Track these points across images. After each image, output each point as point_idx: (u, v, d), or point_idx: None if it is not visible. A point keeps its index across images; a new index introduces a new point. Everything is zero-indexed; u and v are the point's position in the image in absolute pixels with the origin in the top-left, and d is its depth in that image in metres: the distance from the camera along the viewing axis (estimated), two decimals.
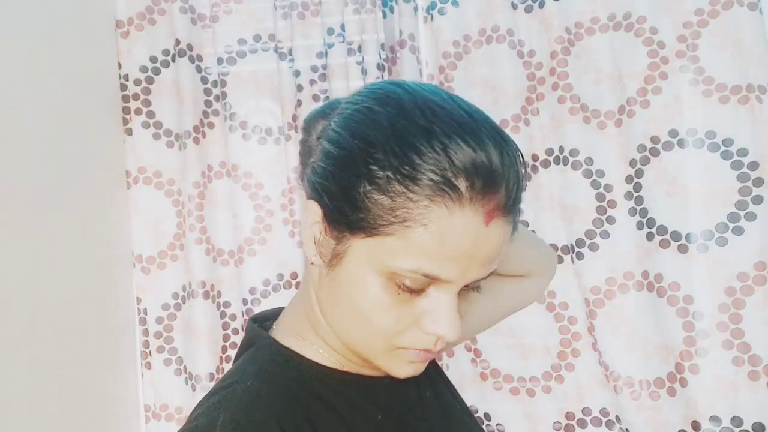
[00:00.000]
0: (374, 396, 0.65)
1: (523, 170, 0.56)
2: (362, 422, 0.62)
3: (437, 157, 0.52)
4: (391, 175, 0.53)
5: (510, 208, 0.55)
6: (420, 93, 0.56)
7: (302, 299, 0.66)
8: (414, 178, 0.53)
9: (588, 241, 1.39)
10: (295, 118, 1.50)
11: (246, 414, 0.57)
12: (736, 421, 1.30)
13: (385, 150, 0.54)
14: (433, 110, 0.54)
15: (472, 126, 0.54)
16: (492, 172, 0.53)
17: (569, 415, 1.44)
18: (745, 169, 1.30)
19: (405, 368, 0.60)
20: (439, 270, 0.54)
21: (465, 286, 0.57)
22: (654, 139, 1.35)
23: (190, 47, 1.51)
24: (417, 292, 0.56)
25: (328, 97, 1.50)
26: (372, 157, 0.54)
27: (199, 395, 1.49)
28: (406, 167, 0.53)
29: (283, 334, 0.66)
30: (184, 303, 1.51)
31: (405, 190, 0.53)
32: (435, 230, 0.53)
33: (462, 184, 0.53)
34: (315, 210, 0.59)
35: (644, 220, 1.36)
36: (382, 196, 0.54)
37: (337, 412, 0.61)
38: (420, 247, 0.53)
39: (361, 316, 0.57)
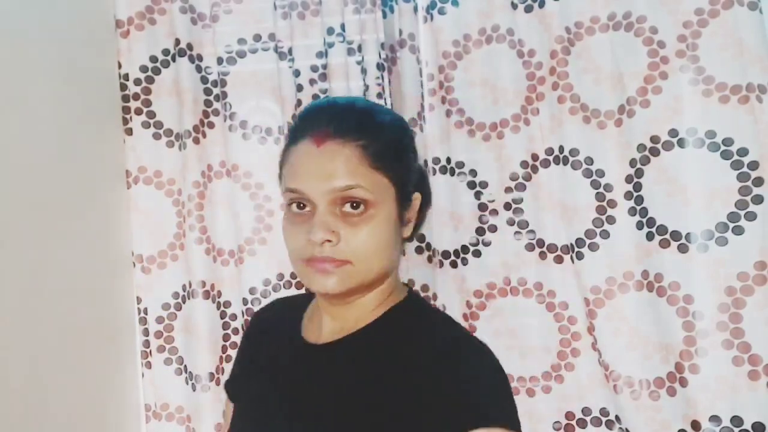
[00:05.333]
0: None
1: (348, 121, 0.83)
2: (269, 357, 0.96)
3: (294, 125, 0.90)
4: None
5: (340, 134, 0.81)
6: (317, 101, 0.98)
7: None
8: (285, 142, 0.90)
9: (588, 241, 1.39)
10: (294, 117, 1.49)
11: None
12: (736, 421, 1.30)
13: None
14: (309, 107, 0.92)
15: (320, 108, 0.89)
16: (313, 116, 0.86)
17: (569, 415, 1.44)
18: (745, 169, 1.30)
19: (316, 281, 0.82)
20: (295, 183, 0.82)
21: (341, 209, 0.81)
22: (654, 139, 1.35)
23: (190, 47, 1.51)
24: (303, 215, 0.82)
25: (328, 97, 1.50)
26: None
27: (200, 395, 1.49)
28: (286, 138, 0.91)
29: None
30: (184, 303, 1.51)
31: (283, 151, 0.90)
32: (291, 161, 0.85)
33: (299, 130, 0.86)
34: None
35: (644, 220, 1.36)
36: (281, 161, 0.91)
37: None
38: (285, 175, 0.86)
39: (285, 243, 0.85)
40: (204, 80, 1.54)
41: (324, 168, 0.80)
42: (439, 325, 0.87)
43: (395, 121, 0.90)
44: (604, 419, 1.42)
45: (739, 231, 1.30)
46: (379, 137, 0.83)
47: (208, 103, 1.53)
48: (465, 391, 0.74)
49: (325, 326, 0.89)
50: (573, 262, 1.41)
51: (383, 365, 0.80)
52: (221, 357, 1.51)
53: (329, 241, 0.79)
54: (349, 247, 0.80)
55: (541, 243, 1.44)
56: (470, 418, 0.71)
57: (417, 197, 0.89)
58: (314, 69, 1.51)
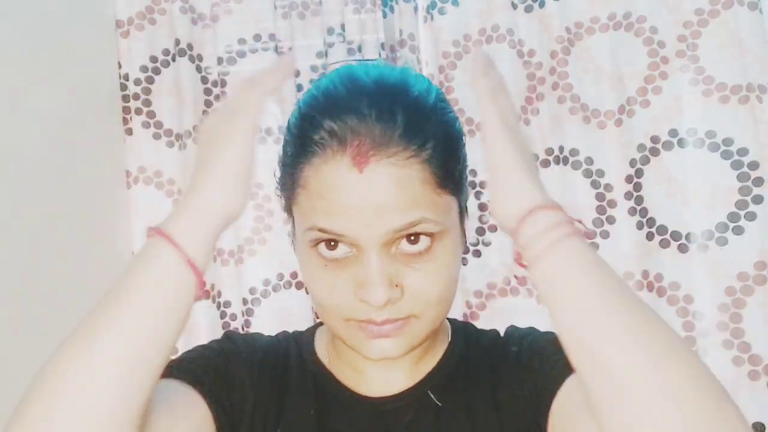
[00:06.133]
0: (336, 402, 0.65)
1: (401, 117, 0.55)
2: (297, 407, 0.65)
3: (302, 125, 0.58)
4: (282, 152, 0.61)
5: (388, 145, 0.55)
6: (325, 81, 0.61)
7: None
8: (288, 148, 0.59)
9: (588, 241, 1.39)
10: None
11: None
12: None
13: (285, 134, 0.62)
14: (319, 93, 0.60)
15: (342, 97, 0.57)
16: (347, 121, 0.55)
17: None
18: (745, 169, 1.30)
19: (370, 347, 0.59)
20: (330, 224, 0.56)
21: (397, 247, 0.57)
22: (654, 139, 1.35)
23: (190, 47, 1.51)
24: (340, 260, 0.57)
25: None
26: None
27: None
28: (287, 141, 0.61)
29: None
30: None
31: (287, 162, 0.60)
32: (312, 188, 0.56)
33: (319, 138, 0.56)
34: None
35: (644, 220, 1.36)
36: (282, 173, 0.61)
37: (289, 385, 0.66)
38: (308, 207, 0.57)
39: (312, 295, 0.60)
40: (204, 80, 1.53)
41: (374, 203, 0.54)
42: (485, 330, 0.73)
43: (439, 97, 0.61)
44: None
45: (739, 231, 1.30)
46: (438, 135, 0.57)
47: (208, 103, 1.53)
48: (542, 351, 0.63)
49: (376, 377, 0.66)
50: None
51: (479, 385, 0.65)
52: None
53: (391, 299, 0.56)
54: (414, 300, 0.57)
55: None
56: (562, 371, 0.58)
57: (468, 194, 0.65)
58: (314, 69, 1.51)
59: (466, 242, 0.65)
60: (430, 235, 0.57)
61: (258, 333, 0.73)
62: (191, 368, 0.62)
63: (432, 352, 0.67)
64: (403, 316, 0.58)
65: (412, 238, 0.56)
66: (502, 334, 0.70)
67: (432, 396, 0.64)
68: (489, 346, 0.68)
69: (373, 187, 0.54)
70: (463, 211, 0.62)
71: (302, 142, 0.57)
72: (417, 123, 0.55)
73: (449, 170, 0.57)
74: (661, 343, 0.44)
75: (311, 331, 0.72)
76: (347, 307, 0.58)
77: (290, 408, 0.65)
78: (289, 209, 0.62)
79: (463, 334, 0.69)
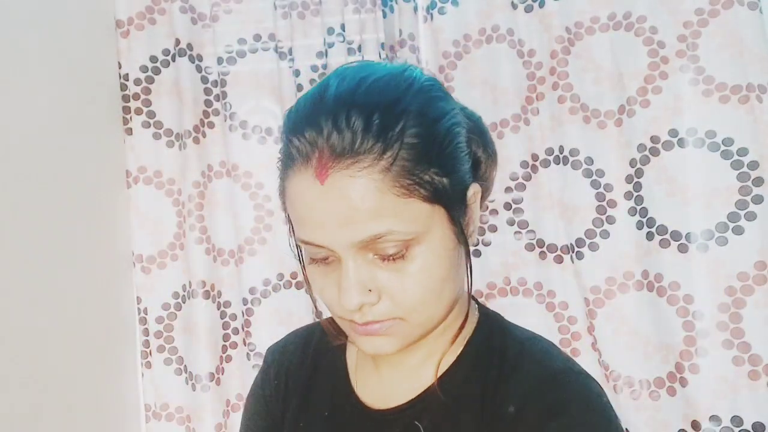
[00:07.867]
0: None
1: (358, 125, 0.54)
2: (317, 405, 0.71)
3: (282, 139, 0.60)
4: None
5: (344, 155, 0.54)
6: (306, 95, 0.61)
7: None
8: (281, 158, 0.60)
9: (588, 241, 1.39)
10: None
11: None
12: (736, 420, 1.30)
13: None
14: (293, 109, 0.61)
15: (307, 111, 0.58)
16: (307, 136, 0.55)
17: None
18: (745, 169, 1.30)
19: (363, 343, 0.61)
20: (305, 234, 0.58)
21: (374, 254, 0.57)
22: (654, 139, 1.35)
23: (190, 47, 1.51)
24: (330, 263, 0.59)
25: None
26: None
27: (200, 395, 1.49)
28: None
29: None
30: (184, 303, 1.51)
31: (281, 168, 0.61)
32: (289, 200, 0.59)
33: (289, 154, 0.58)
34: None
35: (644, 220, 1.36)
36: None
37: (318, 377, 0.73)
38: (292, 218, 0.59)
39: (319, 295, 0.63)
40: (204, 80, 1.54)
41: (336, 214, 0.54)
42: (527, 356, 0.65)
43: (424, 94, 0.58)
44: None
45: (739, 231, 1.30)
46: (406, 138, 0.55)
47: (208, 103, 1.53)
48: None
49: (388, 381, 0.68)
50: (573, 262, 1.40)
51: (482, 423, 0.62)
52: (221, 357, 1.51)
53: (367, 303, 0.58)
54: (394, 303, 0.58)
55: (541, 243, 1.44)
56: None
57: (475, 192, 0.64)
58: (314, 69, 1.51)
59: (462, 242, 0.62)
60: (404, 243, 0.56)
61: (293, 333, 0.80)
62: None
63: (437, 359, 0.66)
64: (385, 318, 0.58)
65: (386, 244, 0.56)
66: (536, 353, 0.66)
67: (418, 425, 0.64)
68: (502, 373, 0.64)
69: (334, 198, 0.54)
70: (458, 210, 0.61)
71: (282, 155, 0.60)
72: (378, 129, 0.54)
73: (416, 171, 0.55)
74: None
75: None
76: (335, 306, 0.60)
77: (312, 404, 0.71)
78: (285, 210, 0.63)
79: (488, 333, 0.67)
